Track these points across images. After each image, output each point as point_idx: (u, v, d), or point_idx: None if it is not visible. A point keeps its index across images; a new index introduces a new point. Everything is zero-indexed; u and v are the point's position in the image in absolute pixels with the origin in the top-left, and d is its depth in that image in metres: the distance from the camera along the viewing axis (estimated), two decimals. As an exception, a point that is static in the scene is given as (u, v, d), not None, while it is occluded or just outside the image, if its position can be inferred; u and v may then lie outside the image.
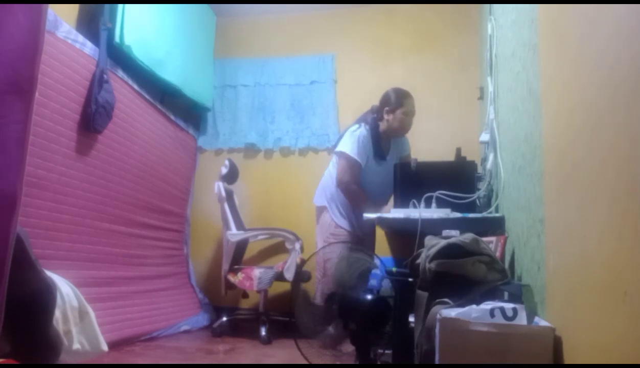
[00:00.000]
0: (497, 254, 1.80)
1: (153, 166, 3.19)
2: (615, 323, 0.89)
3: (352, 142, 2.77)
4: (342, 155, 2.78)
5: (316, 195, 2.97)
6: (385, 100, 2.85)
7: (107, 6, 2.65)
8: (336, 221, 2.82)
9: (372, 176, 2.83)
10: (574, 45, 1.21)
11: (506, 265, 1.93)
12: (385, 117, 2.83)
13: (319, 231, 2.90)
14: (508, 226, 2.09)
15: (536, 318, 1.31)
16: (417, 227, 2.15)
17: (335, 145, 2.96)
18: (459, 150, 2.84)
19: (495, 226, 2.16)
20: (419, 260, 1.67)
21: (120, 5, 2.68)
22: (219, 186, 3.31)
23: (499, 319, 1.23)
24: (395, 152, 2.96)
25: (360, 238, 2.88)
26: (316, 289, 2.72)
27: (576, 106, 1.17)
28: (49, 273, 1.62)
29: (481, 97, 3.27)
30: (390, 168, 2.71)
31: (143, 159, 3.07)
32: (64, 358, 1.62)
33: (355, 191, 2.76)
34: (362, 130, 2.80)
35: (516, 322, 1.23)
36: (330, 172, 2.92)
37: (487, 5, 2.95)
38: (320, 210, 2.91)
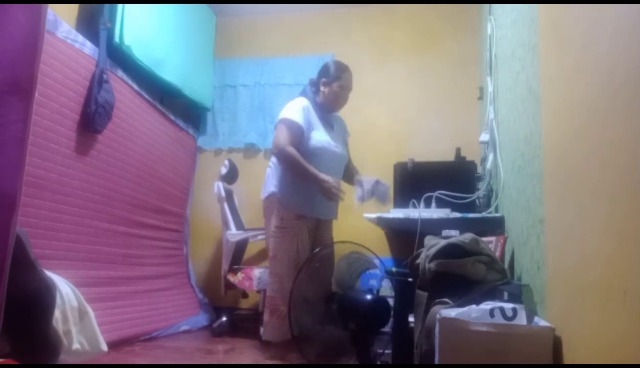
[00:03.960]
0: (497, 254, 1.80)
1: (153, 166, 3.19)
2: (615, 323, 0.89)
3: (290, 108, 2.55)
4: (279, 122, 2.54)
5: (262, 189, 2.63)
6: (323, 72, 2.65)
7: (106, 6, 2.65)
8: (287, 204, 2.48)
9: (325, 144, 2.55)
10: (574, 45, 1.21)
11: (506, 265, 1.93)
12: (322, 88, 2.63)
13: (266, 226, 2.58)
14: (508, 226, 2.09)
15: (536, 318, 1.31)
16: (417, 227, 2.15)
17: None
18: (458, 150, 2.84)
19: (495, 226, 2.16)
20: (418, 260, 1.67)
21: (120, 5, 2.68)
22: (219, 186, 3.30)
23: (498, 319, 1.23)
24: (340, 129, 2.74)
25: (315, 227, 2.59)
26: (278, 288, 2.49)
27: (576, 106, 1.17)
28: (49, 273, 1.62)
29: (481, 97, 3.27)
30: (339, 141, 2.66)
31: (143, 158, 3.07)
32: (63, 358, 1.62)
33: (294, 154, 2.42)
34: (301, 100, 2.61)
35: (516, 322, 1.23)
36: (271, 160, 2.66)
37: (486, 5, 2.95)
38: (267, 203, 2.57)
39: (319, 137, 2.55)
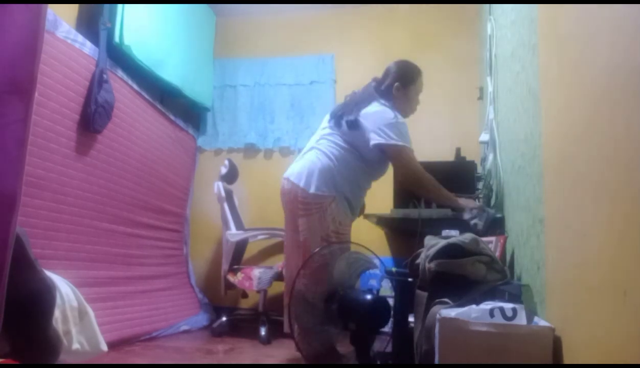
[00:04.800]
0: (497, 254, 1.80)
1: (152, 166, 3.19)
2: (615, 323, 0.89)
3: (402, 128, 2.30)
4: (403, 147, 2.28)
5: (315, 183, 2.29)
6: (397, 74, 2.41)
7: (106, 6, 2.65)
8: (346, 213, 2.33)
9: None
10: (573, 45, 1.21)
11: (506, 265, 1.93)
12: (395, 94, 2.39)
13: (316, 225, 2.31)
14: (508, 226, 2.09)
15: (536, 318, 1.31)
16: (417, 227, 2.15)
17: (349, 123, 2.34)
18: (458, 150, 2.84)
19: (495, 226, 2.16)
20: (418, 260, 1.67)
21: (119, 5, 2.68)
22: (219, 186, 3.30)
23: (498, 319, 1.23)
24: None
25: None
26: (301, 288, 2.30)
27: (576, 106, 1.17)
28: (49, 273, 1.62)
29: (481, 97, 3.27)
30: None
31: (142, 158, 3.07)
32: (63, 359, 1.62)
33: (433, 181, 2.28)
34: (397, 115, 2.32)
35: (516, 322, 1.23)
36: (335, 153, 2.34)
37: (486, 6, 2.95)
38: (322, 200, 2.29)
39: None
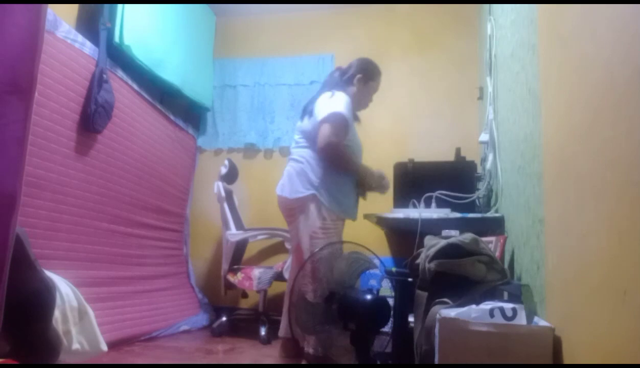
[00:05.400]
0: (497, 254, 1.80)
1: (152, 166, 3.19)
2: (615, 323, 0.89)
3: (340, 102, 2.35)
4: (330, 115, 2.30)
5: (290, 188, 2.42)
6: (361, 67, 2.52)
7: (106, 6, 2.65)
8: (330, 207, 2.35)
9: (359, 142, 2.51)
10: (573, 45, 1.21)
11: (506, 265, 1.93)
12: (356, 84, 2.49)
13: (302, 227, 2.38)
14: (507, 226, 2.10)
15: (535, 318, 1.31)
16: (417, 227, 2.15)
17: (307, 114, 2.47)
18: (458, 150, 2.84)
19: (495, 226, 2.16)
20: (418, 260, 1.67)
21: (119, 5, 2.68)
22: (219, 186, 3.30)
23: (498, 319, 1.23)
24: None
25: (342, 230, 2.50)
26: (299, 288, 2.31)
27: (575, 106, 1.17)
28: (48, 273, 1.62)
29: (481, 97, 3.27)
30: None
31: (142, 158, 3.07)
32: (63, 358, 1.62)
33: (346, 153, 2.34)
34: (344, 95, 2.40)
35: (516, 322, 1.23)
36: (305, 153, 2.43)
37: (486, 6, 2.95)
38: (304, 201, 2.37)
39: (354, 135, 2.47)
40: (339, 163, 2.35)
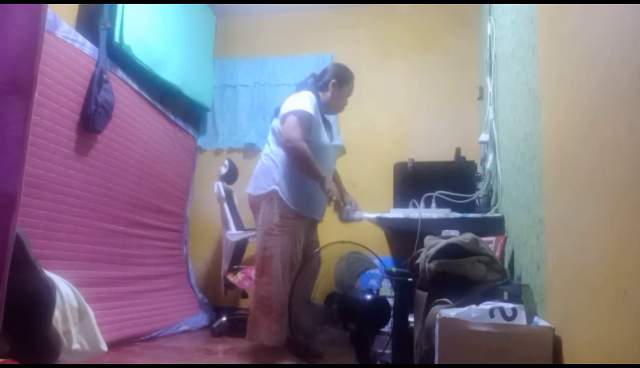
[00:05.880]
0: (497, 254, 1.80)
1: (152, 166, 3.19)
2: (615, 323, 0.89)
3: (301, 100, 2.44)
4: (290, 113, 2.39)
5: (254, 184, 2.53)
6: (335, 73, 2.62)
7: (106, 6, 2.65)
8: (287, 203, 2.40)
9: (326, 142, 2.55)
10: (573, 45, 1.21)
11: (506, 265, 1.93)
12: (331, 89, 2.59)
13: (260, 223, 2.47)
14: (507, 226, 2.09)
15: (535, 318, 1.31)
16: (417, 227, 2.15)
17: (275, 115, 2.58)
18: (458, 150, 2.84)
19: (495, 226, 2.16)
20: (418, 260, 1.67)
21: (119, 5, 2.68)
22: (219, 186, 3.30)
23: (498, 319, 1.23)
24: (332, 132, 2.74)
25: (309, 226, 2.57)
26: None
27: (575, 106, 1.17)
28: (48, 273, 1.62)
29: (481, 97, 3.27)
30: (332, 142, 2.63)
31: (142, 158, 3.07)
32: (63, 358, 1.62)
33: (307, 151, 2.33)
34: (310, 93, 2.51)
35: (516, 322, 1.23)
36: (269, 151, 2.54)
37: (486, 6, 2.95)
38: (265, 197, 2.46)
39: (321, 135, 2.51)
40: (299, 162, 2.38)
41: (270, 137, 2.60)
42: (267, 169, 2.50)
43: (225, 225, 3.24)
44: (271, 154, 2.52)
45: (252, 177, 2.59)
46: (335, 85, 2.60)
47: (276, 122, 2.54)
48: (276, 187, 2.43)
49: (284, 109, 2.45)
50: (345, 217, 2.48)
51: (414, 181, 2.64)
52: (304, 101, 2.43)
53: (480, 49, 3.39)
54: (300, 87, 2.66)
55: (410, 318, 1.81)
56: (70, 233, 2.44)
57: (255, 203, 2.53)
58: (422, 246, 1.74)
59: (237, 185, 3.53)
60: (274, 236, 2.41)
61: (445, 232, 1.80)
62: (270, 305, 2.40)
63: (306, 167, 2.36)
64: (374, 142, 3.66)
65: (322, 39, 3.90)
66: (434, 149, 3.31)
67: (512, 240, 1.95)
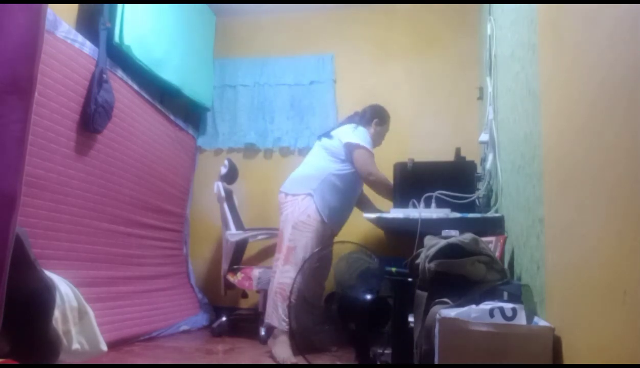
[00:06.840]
0: (497, 254, 1.80)
1: (152, 166, 3.19)
2: (615, 322, 0.89)
3: (363, 136, 2.78)
4: (358, 146, 2.74)
5: (291, 186, 2.83)
6: (377, 113, 2.97)
7: (106, 6, 2.65)
8: (319, 209, 2.70)
9: None
10: (573, 45, 1.21)
11: (505, 265, 1.93)
12: (373, 127, 2.93)
13: (289, 218, 2.73)
14: (507, 226, 2.09)
15: (535, 318, 1.31)
16: (417, 227, 2.15)
17: (326, 136, 2.88)
18: (458, 150, 2.84)
19: (495, 226, 2.16)
20: (418, 260, 1.67)
21: (119, 5, 2.67)
22: (219, 186, 3.30)
23: (498, 319, 1.23)
24: None
25: (329, 236, 2.83)
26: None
27: (575, 106, 1.17)
28: (48, 273, 1.62)
29: (480, 97, 3.27)
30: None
31: (142, 158, 3.07)
32: (63, 359, 1.62)
33: (386, 179, 2.71)
34: (365, 130, 2.85)
35: (515, 322, 1.23)
36: (315, 163, 2.83)
37: (486, 6, 2.95)
38: (296, 198, 2.76)
39: None
40: (383, 188, 2.75)
41: (318, 150, 2.86)
42: (309, 177, 2.78)
43: (225, 225, 3.24)
44: (319, 167, 2.79)
45: (290, 177, 2.87)
46: (377, 123, 2.95)
47: (328, 142, 2.84)
48: (312, 193, 2.72)
49: (349, 138, 2.76)
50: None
51: (413, 181, 2.63)
52: (365, 138, 2.79)
53: (480, 49, 3.39)
54: (348, 120, 2.97)
55: (410, 318, 1.81)
56: (70, 233, 2.44)
57: (286, 201, 2.78)
58: (422, 246, 1.74)
59: (237, 185, 3.54)
60: (300, 231, 2.65)
61: (445, 232, 1.80)
62: (289, 291, 2.53)
63: (387, 192, 2.73)
64: (374, 142, 3.65)
65: (322, 39, 3.90)
66: (434, 149, 3.30)
67: (512, 240, 1.95)
